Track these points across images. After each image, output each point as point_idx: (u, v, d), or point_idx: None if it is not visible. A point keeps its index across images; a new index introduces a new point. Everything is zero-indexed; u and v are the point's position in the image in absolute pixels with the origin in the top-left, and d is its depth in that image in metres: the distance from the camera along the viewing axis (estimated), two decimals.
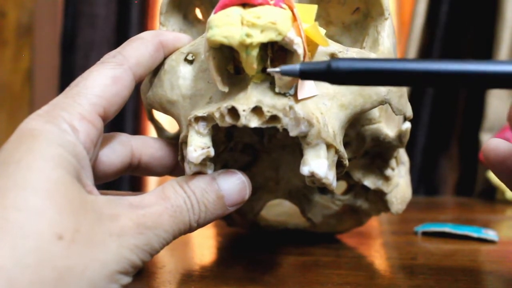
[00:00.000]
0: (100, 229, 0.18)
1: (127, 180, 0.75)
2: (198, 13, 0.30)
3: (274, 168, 0.30)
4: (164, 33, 0.25)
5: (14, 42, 0.85)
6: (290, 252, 0.32)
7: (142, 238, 0.19)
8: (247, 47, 0.20)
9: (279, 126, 0.21)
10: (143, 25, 0.76)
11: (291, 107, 0.21)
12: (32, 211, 0.16)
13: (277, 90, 0.22)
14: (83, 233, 0.17)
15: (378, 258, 0.33)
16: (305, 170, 0.21)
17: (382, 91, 0.24)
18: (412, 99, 0.42)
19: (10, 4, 0.85)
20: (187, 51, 0.25)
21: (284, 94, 0.22)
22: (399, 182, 0.31)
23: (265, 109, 0.21)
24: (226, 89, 0.22)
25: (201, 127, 0.22)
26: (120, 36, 0.75)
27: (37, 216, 0.16)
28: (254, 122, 0.21)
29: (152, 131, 0.44)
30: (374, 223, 0.44)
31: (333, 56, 0.24)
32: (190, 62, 0.25)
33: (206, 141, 0.22)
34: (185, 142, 0.23)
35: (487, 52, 0.71)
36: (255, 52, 0.20)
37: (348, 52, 0.24)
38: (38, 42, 0.83)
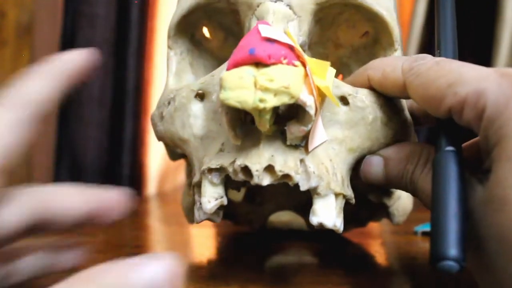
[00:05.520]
0: None
1: (126, 179, 0.74)
2: (206, 31, 0.30)
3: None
4: (61, 58, 0.21)
5: (14, 42, 0.85)
6: (291, 252, 0.32)
7: None
8: (260, 111, 0.20)
9: (290, 183, 0.22)
10: (143, 25, 0.76)
11: (302, 161, 0.22)
12: None
13: (288, 143, 0.22)
14: None
15: (378, 258, 0.33)
16: (314, 220, 0.22)
17: (389, 134, 0.24)
18: None
19: (10, 4, 0.84)
20: (197, 88, 0.25)
21: (295, 146, 0.22)
22: (401, 195, 0.31)
23: (277, 168, 0.21)
24: (239, 143, 0.22)
25: (214, 177, 0.23)
26: (120, 36, 0.75)
27: None
28: (266, 180, 0.22)
29: (152, 131, 0.44)
30: (374, 223, 0.44)
31: (343, 99, 0.24)
32: (201, 98, 0.25)
33: (220, 190, 0.23)
34: (197, 186, 0.24)
35: (487, 52, 0.71)
36: (268, 116, 0.21)
37: (358, 94, 0.24)
38: (38, 42, 0.83)
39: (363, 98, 0.24)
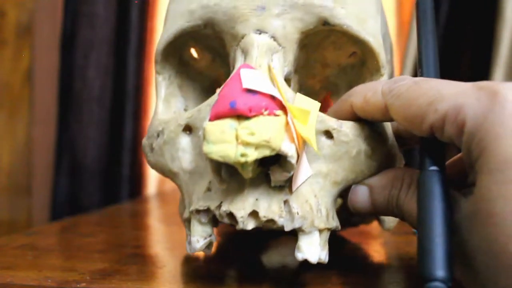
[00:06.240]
0: None
1: (126, 179, 0.75)
2: (193, 51, 0.30)
3: None
4: None
5: (14, 42, 0.85)
6: (290, 252, 0.32)
7: None
8: (242, 164, 0.21)
9: (274, 226, 0.22)
10: (143, 25, 0.76)
11: (286, 202, 0.22)
12: None
13: (272, 185, 0.23)
14: None
15: (378, 258, 0.33)
16: (299, 256, 0.23)
17: (373, 165, 0.25)
18: None
19: (10, 3, 0.85)
20: (184, 123, 0.25)
21: (279, 187, 0.23)
22: None
23: (261, 214, 0.22)
24: (224, 187, 0.23)
25: (202, 217, 0.24)
26: (119, 36, 0.75)
27: None
28: (251, 225, 0.22)
29: None
30: (374, 223, 0.44)
31: (327, 133, 0.24)
32: (189, 131, 0.25)
33: (208, 229, 0.24)
34: (187, 221, 0.25)
35: (487, 52, 0.71)
36: (250, 167, 0.21)
37: (342, 128, 0.24)
38: (38, 42, 0.83)
39: (347, 131, 0.24)
